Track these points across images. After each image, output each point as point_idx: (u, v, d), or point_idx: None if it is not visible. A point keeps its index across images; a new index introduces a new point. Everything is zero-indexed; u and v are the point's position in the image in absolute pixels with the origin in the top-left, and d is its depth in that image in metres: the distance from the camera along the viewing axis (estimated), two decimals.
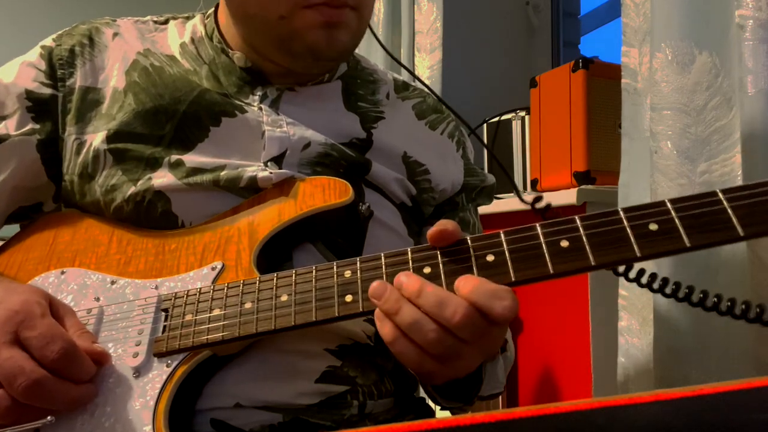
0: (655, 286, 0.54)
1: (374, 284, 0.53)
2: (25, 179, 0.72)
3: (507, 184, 1.47)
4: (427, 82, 1.64)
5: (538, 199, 0.59)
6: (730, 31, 0.79)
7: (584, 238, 0.52)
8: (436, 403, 0.73)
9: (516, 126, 1.46)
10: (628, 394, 0.35)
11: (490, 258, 0.53)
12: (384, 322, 0.52)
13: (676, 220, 0.50)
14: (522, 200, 0.66)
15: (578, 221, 0.53)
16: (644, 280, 0.54)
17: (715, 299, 0.52)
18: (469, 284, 0.51)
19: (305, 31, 0.67)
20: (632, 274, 0.55)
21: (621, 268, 0.54)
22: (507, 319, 0.51)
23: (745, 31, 0.74)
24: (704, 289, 0.52)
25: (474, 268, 0.53)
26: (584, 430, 0.33)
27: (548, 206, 0.58)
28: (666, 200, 0.51)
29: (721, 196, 0.49)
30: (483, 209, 0.92)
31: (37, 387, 0.52)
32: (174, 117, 0.69)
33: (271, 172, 0.67)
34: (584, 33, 2.01)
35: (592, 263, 0.51)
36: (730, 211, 0.49)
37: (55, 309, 0.58)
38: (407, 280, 0.52)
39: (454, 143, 0.84)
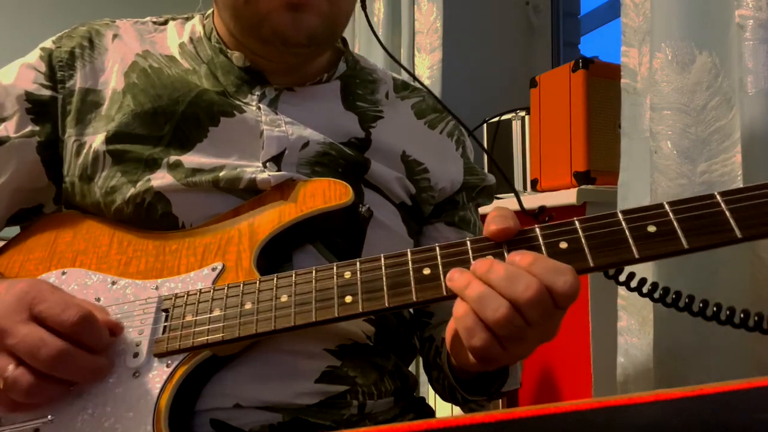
0: (656, 295, 0.54)
1: (450, 271, 0.53)
2: (25, 181, 0.72)
3: (507, 184, 1.47)
4: (427, 82, 1.64)
5: (542, 210, 0.60)
6: (730, 31, 0.79)
7: (583, 240, 0.52)
8: (457, 400, 0.73)
9: (516, 126, 1.46)
10: (628, 394, 0.35)
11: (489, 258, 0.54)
12: (459, 303, 0.52)
13: (675, 223, 0.50)
14: (524, 210, 0.66)
15: (577, 223, 0.53)
16: (645, 289, 0.54)
17: (715, 308, 0.52)
18: (527, 258, 0.50)
19: (269, 13, 0.67)
20: (633, 284, 0.55)
21: (623, 277, 0.54)
22: (570, 297, 0.49)
23: (746, 31, 0.74)
24: (704, 299, 0.53)
25: None
26: (584, 430, 0.33)
27: (551, 217, 0.59)
28: (664, 202, 0.51)
29: (719, 198, 0.50)
30: (483, 209, 0.92)
31: (61, 356, 0.52)
32: (173, 118, 0.69)
33: (269, 174, 0.68)
34: (584, 33, 2.01)
35: (591, 264, 0.51)
36: (727, 213, 0.49)
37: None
38: (479, 262, 0.52)
39: (454, 142, 0.84)
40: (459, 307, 0.52)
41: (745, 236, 0.48)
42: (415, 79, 0.84)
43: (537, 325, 0.50)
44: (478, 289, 0.50)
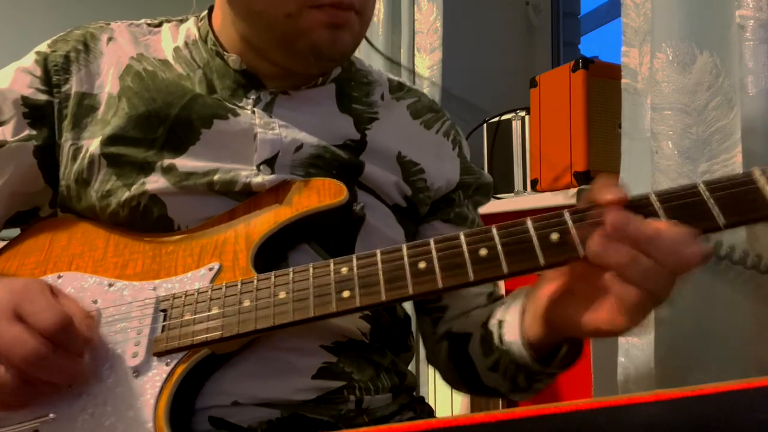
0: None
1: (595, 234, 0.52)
2: (22, 185, 0.72)
3: (507, 184, 1.48)
4: (426, 82, 1.64)
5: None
6: (730, 31, 0.79)
7: (572, 231, 0.54)
8: (517, 386, 0.70)
9: (516, 126, 1.46)
10: (628, 394, 0.35)
11: (483, 252, 0.55)
12: (617, 252, 0.51)
13: (661, 212, 0.52)
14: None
15: (566, 215, 0.54)
16: None
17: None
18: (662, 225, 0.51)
19: (310, 30, 0.68)
20: None
21: None
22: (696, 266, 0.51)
23: (746, 31, 0.74)
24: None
25: (468, 263, 0.54)
26: (584, 430, 0.33)
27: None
28: (651, 192, 0.53)
29: (702, 187, 0.52)
30: (483, 209, 0.92)
31: (35, 356, 0.52)
32: (166, 121, 0.69)
33: (264, 178, 0.68)
34: (584, 33, 2.01)
35: (581, 255, 0.53)
36: (711, 201, 0.51)
37: (56, 294, 0.59)
38: (635, 222, 0.51)
39: (450, 142, 0.85)
40: (619, 256, 0.51)
41: (727, 223, 0.51)
42: (412, 81, 0.84)
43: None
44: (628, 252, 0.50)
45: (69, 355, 0.55)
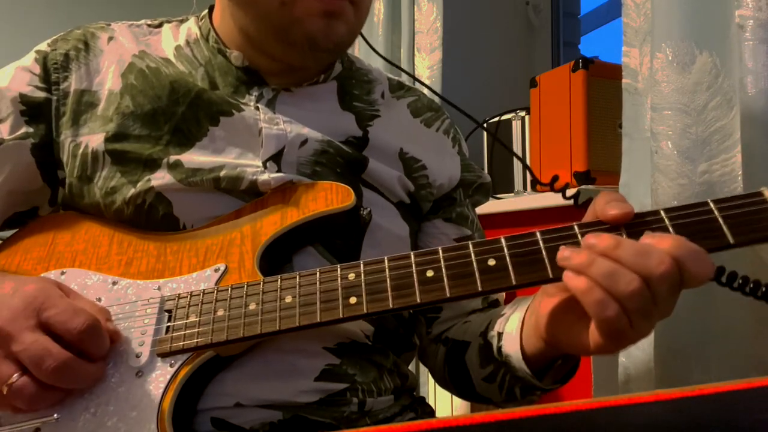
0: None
1: (561, 249, 0.52)
2: (20, 183, 0.72)
3: (507, 184, 1.48)
4: (426, 82, 1.64)
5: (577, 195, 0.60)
6: (730, 31, 0.79)
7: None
8: (513, 396, 0.70)
9: (516, 126, 1.46)
10: (628, 394, 0.35)
11: (491, 262, 0.55)
12: (575, 278, 0.50)
13: (671, 229, 0.52)
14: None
15: (576, 228, 0.54)
16: None
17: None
18: (667, 240, 0.50)
19: (304, 18, 0.68)
20: None
21: None
22: (701, 283, 0.49)
23: (746, 31, 0.74)
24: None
25: (476, 272, 0.54)
26: (584, 430, 0.33)
27: (578, 193, 0.60)
28: (660, 210, 0.53)
29: (712, 205, 0.52)
30: (483, 209, 0.92)
31: (64, 368, 0.53)
32: (173, 118, 0.70)
33: (270, 176, 0.68)
34: (584, 33, 2.01)
35: None
36: (720, 219, 0.51)
37: (66, 293, 0.60)
38: (598, 238, 0.51)
39: (450, 139, 0.85)
40: (578, 282, 0.50)
41: (736, 242, 0.51)
42: (415, 79, 0.85)
43: (660, 304, 0.50)
44: (606, 265, 0.49)
45: (93, 362, 0.56)
